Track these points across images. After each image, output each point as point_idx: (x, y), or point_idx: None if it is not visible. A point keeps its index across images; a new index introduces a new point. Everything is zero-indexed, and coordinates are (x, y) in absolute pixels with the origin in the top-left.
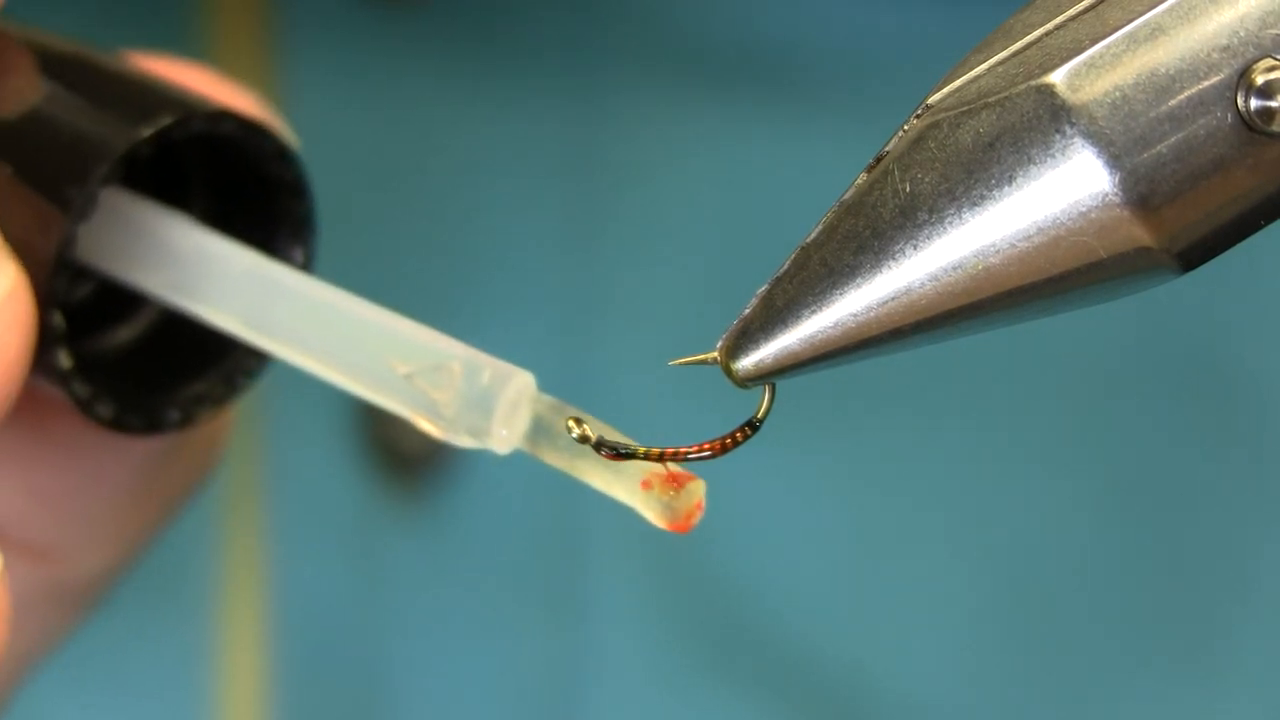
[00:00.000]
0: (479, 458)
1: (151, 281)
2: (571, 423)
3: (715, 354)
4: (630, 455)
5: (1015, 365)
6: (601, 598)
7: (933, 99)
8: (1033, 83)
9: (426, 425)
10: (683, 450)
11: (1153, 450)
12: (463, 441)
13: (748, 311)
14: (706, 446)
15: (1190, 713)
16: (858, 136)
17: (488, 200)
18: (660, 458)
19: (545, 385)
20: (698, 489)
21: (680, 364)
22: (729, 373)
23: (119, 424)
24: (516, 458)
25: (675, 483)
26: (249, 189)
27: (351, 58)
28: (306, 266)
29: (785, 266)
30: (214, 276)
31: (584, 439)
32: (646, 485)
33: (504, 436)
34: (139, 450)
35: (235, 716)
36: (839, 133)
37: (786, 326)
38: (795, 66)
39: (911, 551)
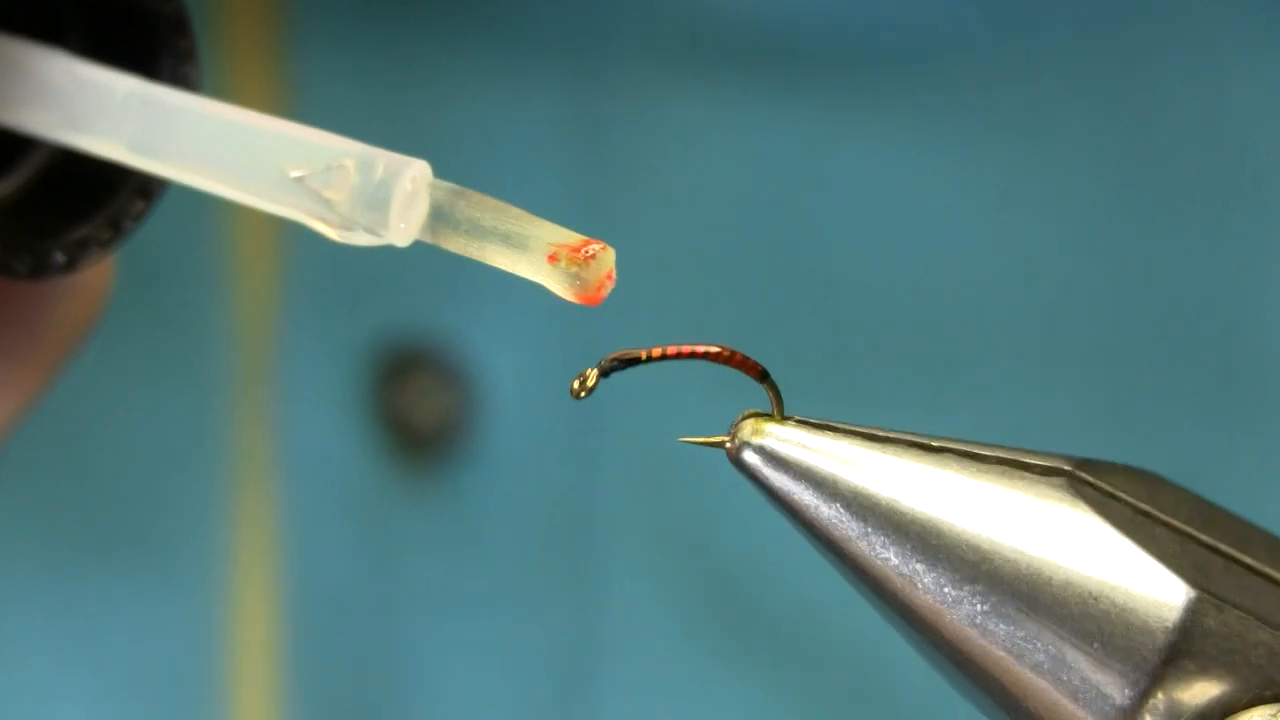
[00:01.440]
0: (492, 432)
1: (31, 120)
2: (578, 382)
3: (725, 439)
4: (634, 361)
5: (1026, 345)
6: (615, 572)
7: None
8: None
9: (323, 228)
10: (686, 348)
11: (1165, 419)
12: (360, 240)
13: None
14: (715, 347)
15: None
16: (866, 118)
17: (495, 181)
18: (662, 356)
19: (554, 374)
20: (607, 258)
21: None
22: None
23: (3, 268)
24: (528, 431)
25: (584, 254)
26: (126, 26)
27: (360, 38)
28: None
29: None
30: (95, 106)
31: (586, 391)
32: (553, 259)
33: (402, 229)
34: (27, 297)
35: (247, 692)
36: (846, 114)
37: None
38: (805, 47)
39: None
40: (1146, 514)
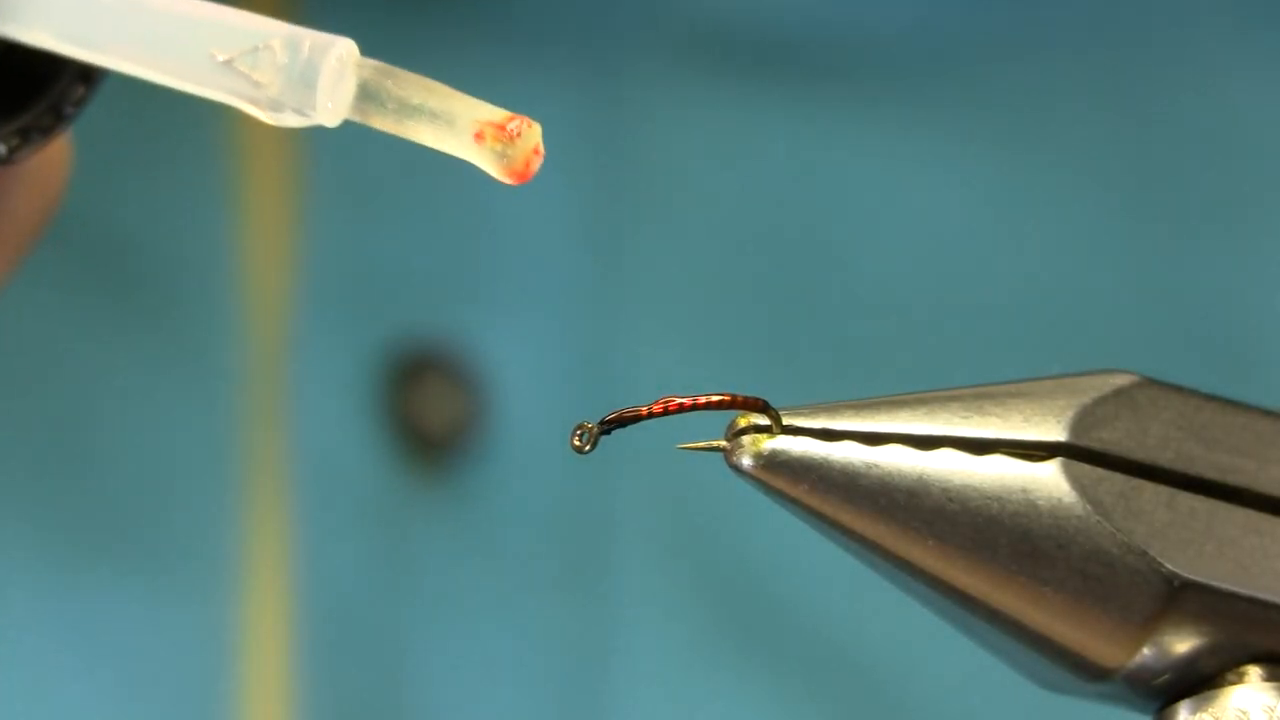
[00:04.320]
0: (504, 436)
1: None
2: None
3: (722, 443)
4: (635, 419)
5: (1032, 351)
6: (626, 578)
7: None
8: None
9: (254, 110)
10: (688, 401)
11: None
12: (290, 121)
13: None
14: (716, 396)
15: None
16: (878, 123)
17: (508, 188)
18: (664, 411)
19: (566, 378)
20: (533, 134)
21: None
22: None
23: None
24: (540, 435)
25: (509, 132)
26: None
27: (368, 43)
28: None
29: None
30: None
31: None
32: (479, 137)
33: (330, 108)
34: None
35: (260, 697)
36: (861, 119)
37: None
38: (815, 54)
39: None
40: (1139, 470)
